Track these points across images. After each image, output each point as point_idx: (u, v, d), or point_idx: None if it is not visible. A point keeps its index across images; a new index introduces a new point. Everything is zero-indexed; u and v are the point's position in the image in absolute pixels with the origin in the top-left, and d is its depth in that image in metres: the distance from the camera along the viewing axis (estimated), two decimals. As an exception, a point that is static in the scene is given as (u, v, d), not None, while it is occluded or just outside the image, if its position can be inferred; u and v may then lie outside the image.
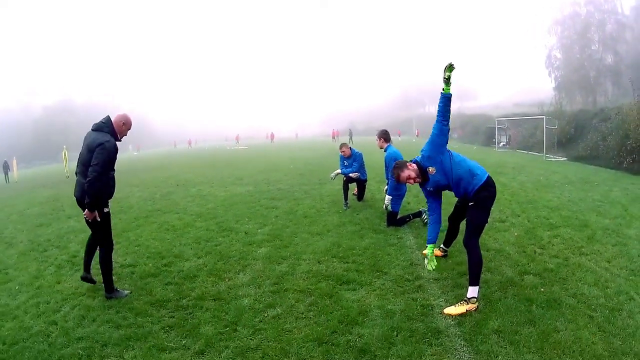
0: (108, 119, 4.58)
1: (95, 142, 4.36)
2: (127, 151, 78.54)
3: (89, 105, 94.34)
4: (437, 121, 4.12)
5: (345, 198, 9.05)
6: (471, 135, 41.79)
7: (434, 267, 4.15)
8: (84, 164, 4.41)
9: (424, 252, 5.41)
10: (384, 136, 7.47)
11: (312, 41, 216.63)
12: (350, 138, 52.21)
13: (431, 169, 4.12)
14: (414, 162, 4.24)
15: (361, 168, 9.24)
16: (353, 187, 9.76)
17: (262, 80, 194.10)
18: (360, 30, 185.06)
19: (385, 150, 7.37)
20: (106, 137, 4.41)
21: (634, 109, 16.47)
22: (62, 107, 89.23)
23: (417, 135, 57.54)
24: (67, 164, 26.04)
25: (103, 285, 4.75)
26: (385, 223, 7.12)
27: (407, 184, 4.41)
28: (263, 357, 3.32)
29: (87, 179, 4.26)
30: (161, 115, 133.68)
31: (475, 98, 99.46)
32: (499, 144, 31.78)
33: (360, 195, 9.54)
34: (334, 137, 60.13)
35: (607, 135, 18.16)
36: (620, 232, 6.41)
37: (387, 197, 6.96)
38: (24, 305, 4.70)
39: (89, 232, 4.90)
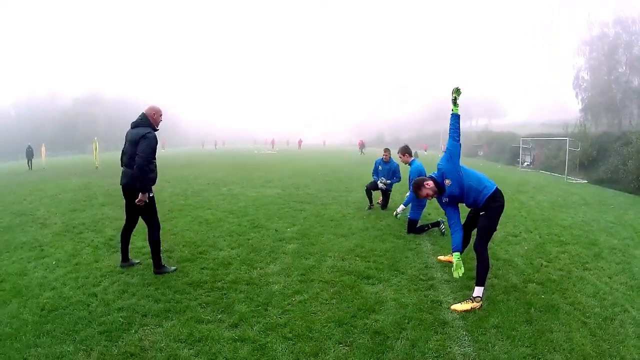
0: (143, 115, 5.23)
1: (138, 135, 5.05)
2: (155, 146, 79.66)
3: (119, 100, 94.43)
4: (450, 138, 4.71)
5: (370, 201, 9.89)
6: (496, 153, 41.71)
7: (460, 275, 4.47)
8: (130, 157, 5.10)
9: (439, 257, 5.92)
10: (408, 151, 8.01)
11: (345, 50, 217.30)
12: (362, 149, 52.71)
13: (447, 181, 4.63)
14: (430, 179, 4.73)
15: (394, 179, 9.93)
16: (378, 196, 10.36)
17: (293, 86, 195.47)
18: (393, 43, 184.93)
19: (410, 165, 7.89)
20: (147, 130, 5.11)
21: (654, 133, 16.53)
22: (91, 99, 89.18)
23: (444, 150, 57.19)
24: (97, 155, 26.70)
25: (152, 262, 5.32)
26: (406, 230, 7.58)
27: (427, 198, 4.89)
28: (290, 332, 3.77)
29: (136, 166, 4.95)
30: (190, 114, 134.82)
31: (503, 115, 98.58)
32: (522, 163, 31.82)
33: (384, 204, 10.03)
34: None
35: (627, 159, 18.22)
36: (627, 251, 6.77)
37: (401, 207, 7.47)
38: (62, 279, 5.10)
39: (124, 220, 5.53)
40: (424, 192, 4.67)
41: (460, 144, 4.75)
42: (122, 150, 5.31)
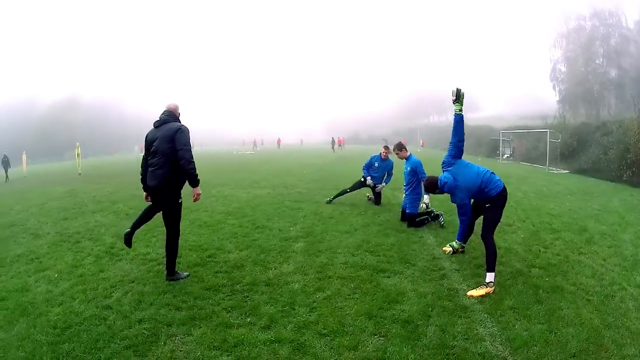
0: (169, 111, 5.17)
1: (171, 130, 4.92)
2: (133, 151, 78.74)
3: (96, 104, 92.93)
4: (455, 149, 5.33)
5: (337, 196, 10.58)
6: (475, 147, 42.25)
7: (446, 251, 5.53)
8: (162, 154, 4.90)
9: (444, 248, 6.25)
10: (404, 147, 8.38)
11: (317, 47, 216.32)
12: (333, 146, 53.60)
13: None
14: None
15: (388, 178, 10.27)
16: (367, 191, 10.80)
17: (267, 86, 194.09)
18: (366, 38, 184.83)
19: (408, 159, 8.20)
20: (179, 123, 5.08)
21: (634, 123, 17.17)
22: (68, 104, 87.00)
23: (422, 145, 57.54)
24: (80, 161, 25.93)
25: (165, 268, 5.21)
26: (406, 224, 7.92)
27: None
28: (324, 328, 3.87)
29: (184, 160, 4.84)
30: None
31: (478, 109, 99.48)
32: (502, 155, 32.45)
33: (377, 200, 10.32)
34: (339, 145, 60.80)
35: (608, 149, 18.82)
36: (615, 236, 7.24)
37: (426, 197, 7.88)
38: (69, 292, 4.85)
39: (120, 226, 5.40)
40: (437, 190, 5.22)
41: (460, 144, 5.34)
42: (151, 151, 5.05)
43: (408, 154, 8.27)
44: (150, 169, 5.05)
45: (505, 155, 32.40)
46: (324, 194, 11.94)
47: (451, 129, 5.32)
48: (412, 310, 4.23)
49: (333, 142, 55.80)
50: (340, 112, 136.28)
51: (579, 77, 46.71)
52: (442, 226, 7.81)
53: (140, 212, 5.37)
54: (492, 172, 5.21)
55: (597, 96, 45.90)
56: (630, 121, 17.78)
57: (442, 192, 5.27)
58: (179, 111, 5.34)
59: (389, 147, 9.70)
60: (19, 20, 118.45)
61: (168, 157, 4.90)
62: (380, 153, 10.05)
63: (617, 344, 3.64)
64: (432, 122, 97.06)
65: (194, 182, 5.04)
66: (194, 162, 4.96)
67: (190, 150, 4.97)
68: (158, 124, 5.11)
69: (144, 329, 3.89)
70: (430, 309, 4.28)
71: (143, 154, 5.32)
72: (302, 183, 15.37)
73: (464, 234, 5.64)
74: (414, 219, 7.88)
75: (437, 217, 8.02)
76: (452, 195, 5.18)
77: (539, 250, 6.35)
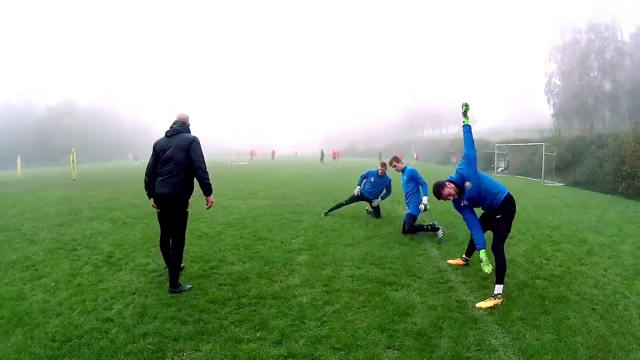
0: (181, 122, 5.26)
1: (187, 140, 5.05)
2: (127, 159, 78.50)
3: (92, 109, 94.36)
4: (467, 146, 5.21)
5: (334, 209, 10.71)
6: (470, 160, 42.50)
7: (490, 270, 4.98)
8: (177, 163, 4.98)
9: (449, 261, 6.33)
10: (400, 160, 8.95)
11: (314, 59, 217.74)
12: (322, 158, 53.96)
13: (468, 184, 5.10)
14: (449, 181, 5.18)
15: (387, 194, 10.47)
16: (366, 204, 10.85)
17: (263, 97, 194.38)
18: (364, 51, 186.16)
19: (404, 170, 8.71)
20: (192, 134, 5.20)
21: (629, 135, 17.44)
22: (64, 109, 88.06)
23: (416, 159, 57.81)
24: (75, 167, 25.55)
25: (168, 279, 5.12)
26: (403, 227, 8.28)
27: (448, 199, 5.26)
28: (337, 342, 3.81)
29: (200, 170, 5.01)
30: (163, 125, 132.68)
31: (473, 122, 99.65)
32: (497, 169, 32.69)
33: (376, 214, 10.36)
34: (334, 158, 61.04)
35: (603, 161, 19.06)
36: (615, 247, 7.38)
37: (425, 198, 8.15)
38: (67, 302, 4.71)
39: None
40: (446, 191, 5.10)
41: (475, 150, 5.25)
42: (162, 159, 5.09)
43: (403, 165, 8.75)
44: (161, 177, 5.07)
45: (500, 169, 32.65)
46: (323, 206, 11.88)
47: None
48: (424, 323, 4.25)
49: (322, 154, 55.98)
50: (336, 124, 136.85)
51: (573, 91, 47.14)
52: (440, 241, 7.74)
53: (161, 252, 5.54)
54: (498, 182, 5.37)
55: (591, 109, 46.31)
56: (626, 134, 18.10)
57: (450, 192, 5.12)
58: (189, 122, 5.45)
59: (386, 165, 9.81)
60: (17, 25, 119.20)
61: (183, 166, 5.01)
62: (378, 170, 10.18)
63: (624, 350, 3.75)
64: (426, 136, 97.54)
65: (209, 191, 5.21)
66: (208, 172, 5.12)
67: (204, 162, 5.11)
68: (170, 134, 5.17)
69: (149, 343, 3.77)
70: (441, 321, 4.32)
71: (150, 160, 5.28)
72: (300, 195, 15.35)
73: None
74: (414, 219, 8.17)
75: (436, 229, 8.03)
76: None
77: (542, 262, 6.46)
